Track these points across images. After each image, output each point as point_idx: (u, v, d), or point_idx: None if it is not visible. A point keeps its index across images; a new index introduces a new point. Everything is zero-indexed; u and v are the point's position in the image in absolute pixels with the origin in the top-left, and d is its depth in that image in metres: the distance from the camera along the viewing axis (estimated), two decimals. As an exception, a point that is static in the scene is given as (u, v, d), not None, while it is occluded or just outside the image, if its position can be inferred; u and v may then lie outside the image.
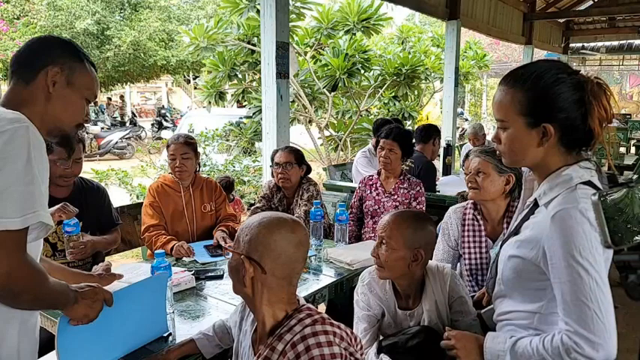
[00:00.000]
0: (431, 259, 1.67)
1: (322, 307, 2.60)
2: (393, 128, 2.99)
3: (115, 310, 1.32)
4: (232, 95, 7.01)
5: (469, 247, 2.12)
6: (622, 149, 9.35)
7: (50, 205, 2.15)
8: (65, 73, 1.25)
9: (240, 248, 1.20)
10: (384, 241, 1.59)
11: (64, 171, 2.21)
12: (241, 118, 7.50)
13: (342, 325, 1.20)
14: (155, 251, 1.73)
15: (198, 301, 1.88)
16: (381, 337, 1.68)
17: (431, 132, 3.96)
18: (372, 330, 1.68)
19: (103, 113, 18.99)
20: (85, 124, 1.38)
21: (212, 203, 2.75)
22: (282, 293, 1.20)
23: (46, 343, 1.89)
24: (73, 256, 2.11)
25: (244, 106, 7.86)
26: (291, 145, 3.38)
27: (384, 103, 7.85)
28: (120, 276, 1.88)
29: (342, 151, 7.18)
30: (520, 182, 1.95)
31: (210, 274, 2.12)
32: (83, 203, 2.25)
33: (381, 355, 1.54)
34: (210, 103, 6.83)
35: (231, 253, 1.24)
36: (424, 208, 2.92)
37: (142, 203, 2.74)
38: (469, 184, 2.06)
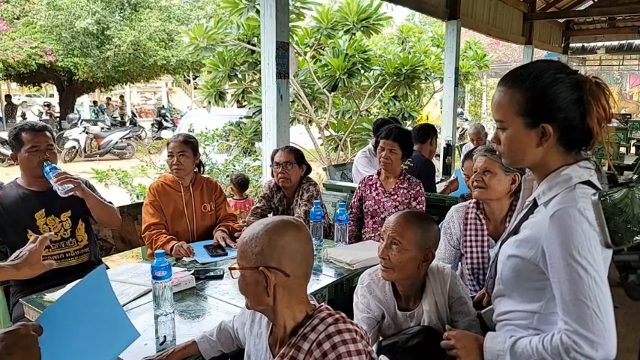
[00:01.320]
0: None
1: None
2: (393, 128, 2.99)
3: (56, 332, 1.07)
4: (232, 95, 7.01)
5: (471, 247, 2.12)
6: (622, 149, 9.34)
7: (35, 200, 2.23)
8: None
9: (252, 262, 1.18)
10: (395, 242, 1.58)
11: (40, 159, 2.22)
12: (241, 118, 7.49)
13: (359, 325, 1.22)
14: (155, 251, 1.73)
15: (198, 301, 1.88)
16: (381, 338, 1.68)
17: (428, 132, 3.97)
18: (372, 332, 1.68)
19: (103, 113, 18.99)
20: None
21: (212, 203, 2.76)
22: (302, 292, 1.23)
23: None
24: (60, 182, 2.12)
25: (244, 106, 7.85)
26: (291, 145, 3.38)
27: (384, 103, 7.85)
28: (44, 240, 1.54)
29: (342, 151, 7.17)
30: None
31: (210, 274, 2.12)
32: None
33: (381, 355, 1.54)
34: (210, 103, 6.82)
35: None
36: (424, 208, 2.93)
37: (142, 203, 2.75)
38: (475, 183, 2.06)
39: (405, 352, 1.52)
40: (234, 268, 1.22)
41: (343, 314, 1.22)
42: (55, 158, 2.30)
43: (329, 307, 1.24)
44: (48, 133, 2.29)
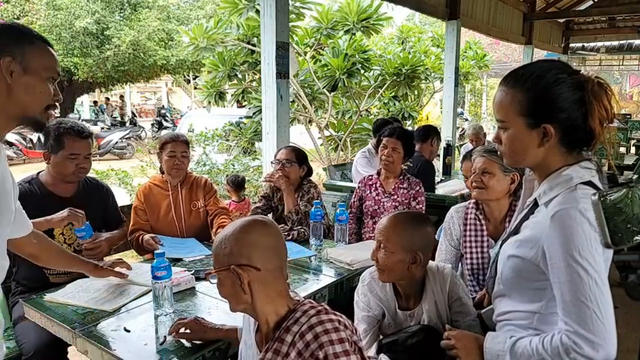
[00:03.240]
0: (433, 260, 1.67)
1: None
2: (397, 128, 3.00)
3: None
4: (232, 95, 7.01)
5: (471, 247, 2.12)
6: (622, 149, 9.34)
7: (56, 204, 2.16)
8: (18, 60, 1.21)
9: (224, 263, 1.21)
10: (382, 245, 1.59)
11: (76, 167, 2.17)
12: (241, 118, 7.49)
13: (344, 316, 1.23)
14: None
15: (198, 301, 1.88)
16: (381, 337, 1.68)
17: (430, 132, 3.99)
18: (372, 331, 1.68)
19: (102, 113, 18.99)
20: (57, 104, 1.32)
21: (202, 200, 2.76)
22: (279, 285, 1.24)
23: (48, 344, 1.89)
24: (88, 256, 2.08)
25: (244, 106, 7.85)
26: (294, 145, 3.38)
27: (384, 103, 7.85)
28: (121, 275, 1.96)
29: (342, 151, 7.17)
30: (523, 181, 1.95)
31: (210, 273, 2.12)
32: (88, 202, 2.22)
33: (381, 355, 1.54)
34: (210, 103, 6.82)
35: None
36: (424, 208, 2.92)
37: (141, 203, 2.75)
38: (474, 184, 2.06)
39: (404, 350, 1.52)
40: (210, 273, 1.25)
41: (327, 306, 1.23)
42: (90, 165, 2.26)
43: (312, 300, 1.26)
44: (91, 141, 2.23)
